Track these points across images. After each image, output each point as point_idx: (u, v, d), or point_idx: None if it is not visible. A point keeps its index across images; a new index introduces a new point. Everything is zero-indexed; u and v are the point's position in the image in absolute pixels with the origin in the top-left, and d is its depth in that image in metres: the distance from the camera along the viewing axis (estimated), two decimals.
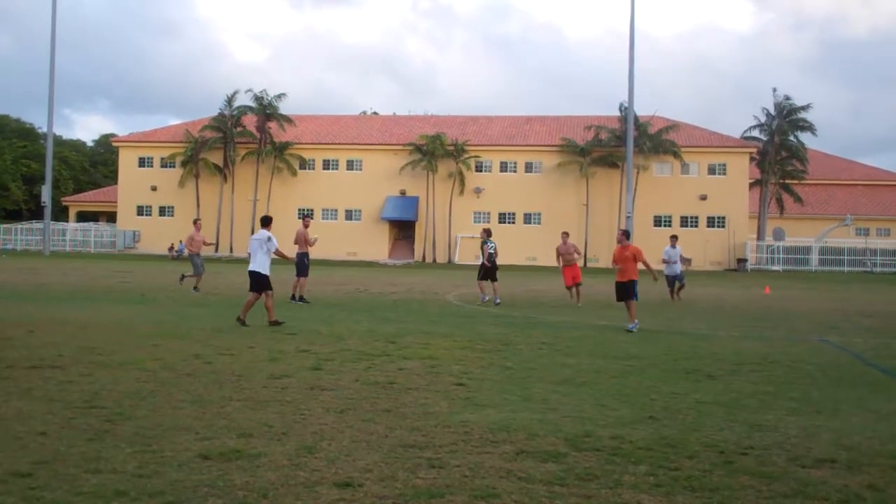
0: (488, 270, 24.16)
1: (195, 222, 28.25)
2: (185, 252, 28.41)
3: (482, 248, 24.59)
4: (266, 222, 17.56)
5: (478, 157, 69.78)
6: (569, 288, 24.73)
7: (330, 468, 6.36)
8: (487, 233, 25.02)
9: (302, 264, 22.67)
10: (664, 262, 26.48)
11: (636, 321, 17.24)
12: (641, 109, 66.26)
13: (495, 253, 24.42)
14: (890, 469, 6.71)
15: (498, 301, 23.63)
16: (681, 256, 26.63)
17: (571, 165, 67.62)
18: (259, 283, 16.77)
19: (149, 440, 7.06)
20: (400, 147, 69.99)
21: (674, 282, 26.57)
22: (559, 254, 25.12)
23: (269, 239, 16.85)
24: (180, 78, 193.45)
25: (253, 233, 67.91)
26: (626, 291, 17.47)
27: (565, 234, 25.71)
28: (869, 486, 6.22)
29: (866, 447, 7.41)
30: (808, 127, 68.76)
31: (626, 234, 18.27)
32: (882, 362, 13.28)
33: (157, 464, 6.35)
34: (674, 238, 27.43)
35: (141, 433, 7.31)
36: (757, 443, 7.48)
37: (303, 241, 22.91)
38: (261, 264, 16.82)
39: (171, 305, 20.88)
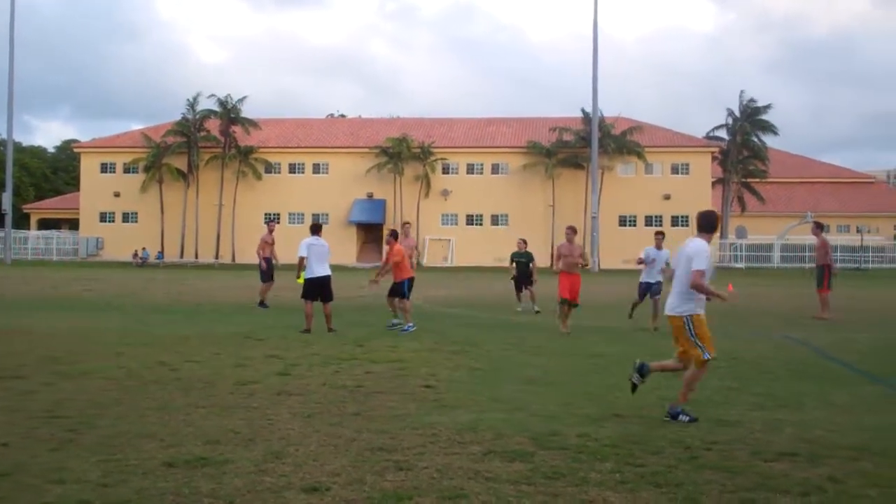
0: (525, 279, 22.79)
1: (404, 226, 22.12)
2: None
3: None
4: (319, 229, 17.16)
5: (444, 159, 69.88)
6: (563, 302, 17.24)
7: (297, 473, 6.35)
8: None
9: (271, 270, 22.65)
10: (640, 262, 18.84)
11: (411, 322, 16.82)
12: (607, 111, 66.78)
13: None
14: (849, 461, 6.82)
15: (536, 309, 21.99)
16: (667, 263, 17.90)
17: (537, 167, 67.88)
18: (329, 290, 16.67)
19: (113, 449, 7.01)
20: (366, 150, 69.90)
21: (645, 294, 18.63)
22: (560, 255, 17.81)
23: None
24: (143, 82, 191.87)
25: (208, 238, 66.57)
26: (396, 290, 17.34)
27: (571, 231, 18.12)
28: (829, 479, 6.31)
29: (827, 440, 7.52)
30: (770, 127, 69.79)
31: (392, 234, 17.94)
32: (843, 357, 13.47)
33: (121, 472, 6.30)
34: (660, 236, 19.02)
35: (105, 442, 7.25)
36: (721, 438, 7.57)
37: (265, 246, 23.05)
38: (328, 270, 16.73)
39: (136, 313, 20.72)
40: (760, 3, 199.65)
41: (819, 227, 22.28)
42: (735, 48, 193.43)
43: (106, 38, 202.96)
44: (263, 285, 22.58)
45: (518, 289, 22.99)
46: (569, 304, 17.07)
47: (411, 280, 17.37)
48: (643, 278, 18.66)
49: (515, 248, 23.20)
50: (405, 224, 22.51)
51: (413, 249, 21.19)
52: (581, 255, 17.74)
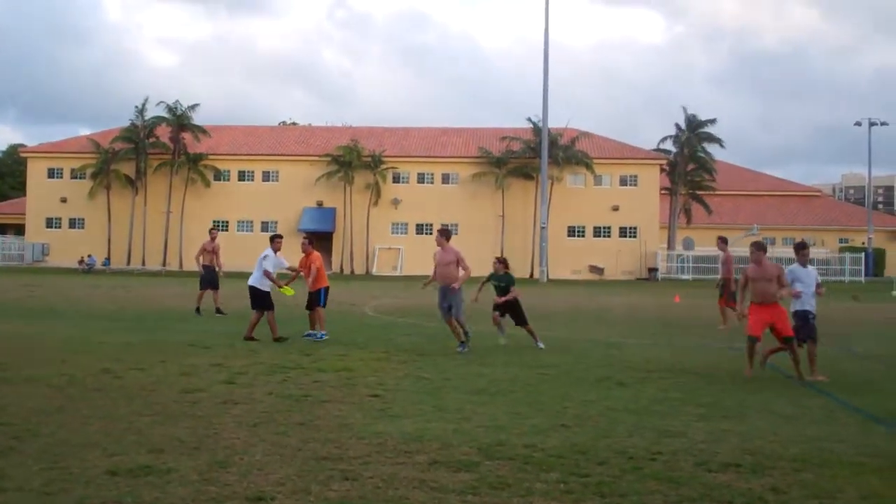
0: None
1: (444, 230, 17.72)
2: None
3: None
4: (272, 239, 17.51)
5: (395, 168, 69.77)
6: (752, 340, 12.89)
7: (241, 482, 6.30)
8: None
9: (208, 277, 22.68)
10: (797, 294, 13.03)
11: (325, 331, 16.89)
12: (556, 121, 67.07)
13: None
14: (792, 472, 6.93)
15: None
16: (818, 284, 13.42)
17: (487, 177, 68.07)
18: (258, 300, 16.71)
19: (56, 457, 6.91)
20: (317, 158, 69.52)
21: (805, 326, 13.07)
22: (749, 279, 12.99)
23: (265, 257, 16.91)
24: (92, 86, 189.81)
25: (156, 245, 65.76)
26: (313, 300, 17.33)
27: (758, 249, 13.03)
28: (772, 489, 6.41)
29: (769, 451, 7.64)
30: (716, 140, 70.90)
31: (308, 242, 17.98)
32: (787, 366, 13.65)
33: (63, 481, 6.22)
34: (802, 249, 13.63)
35: (48, 450, 7.15)
36: (665, 448, 7.65)
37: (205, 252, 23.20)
38: (256, 279, 16.82)
39: (80, 320, 20.41)
40: (709, 16, 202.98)
41: (724, 242, 22.98)
42: (683, 60, 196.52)
43: (53, 41, 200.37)
44: (201, 292, 22.59)
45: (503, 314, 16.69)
46: (786, 342, 12.79)
47: (327, 289, 17.48)
48: (798, 306, 13.21)
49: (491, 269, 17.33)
50: (444, 229, 17.92)
51: (455, 264, 16.70)
52: (780, 277, 12.83)
